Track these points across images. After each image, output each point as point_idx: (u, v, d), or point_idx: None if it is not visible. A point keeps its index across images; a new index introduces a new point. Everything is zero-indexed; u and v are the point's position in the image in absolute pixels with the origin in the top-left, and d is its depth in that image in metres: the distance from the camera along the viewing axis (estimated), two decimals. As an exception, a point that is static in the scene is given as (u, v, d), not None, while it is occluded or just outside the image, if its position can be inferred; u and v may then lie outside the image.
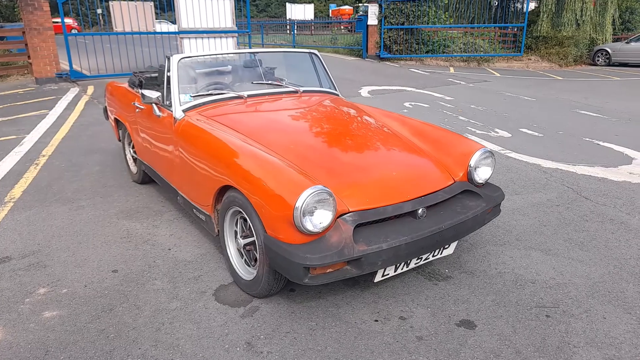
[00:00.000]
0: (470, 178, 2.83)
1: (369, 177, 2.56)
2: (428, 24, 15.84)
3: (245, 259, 2.75)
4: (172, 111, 3.31)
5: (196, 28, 12.53)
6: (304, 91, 3.76)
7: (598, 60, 18.59)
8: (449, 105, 8.86)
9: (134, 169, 4.57)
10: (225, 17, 12.90)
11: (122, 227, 3.60)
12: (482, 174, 2.86)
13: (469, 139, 3.10)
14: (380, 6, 15.61)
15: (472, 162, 2.81)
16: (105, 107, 5.13)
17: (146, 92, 3.39)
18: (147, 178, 4.37)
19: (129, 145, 4.59)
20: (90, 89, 10.37)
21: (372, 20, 15.96)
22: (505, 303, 2.62)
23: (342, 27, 29.55)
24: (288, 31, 38.03)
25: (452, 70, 15.11)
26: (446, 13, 17.13)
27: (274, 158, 2.49)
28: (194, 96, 3.38)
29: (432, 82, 12.02)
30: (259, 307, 2.56)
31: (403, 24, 15.80)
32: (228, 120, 3.12)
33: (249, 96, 3.48)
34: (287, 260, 2.15)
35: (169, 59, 3.44)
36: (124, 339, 2.31)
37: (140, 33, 12.18)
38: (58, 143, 6.03)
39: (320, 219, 2.18)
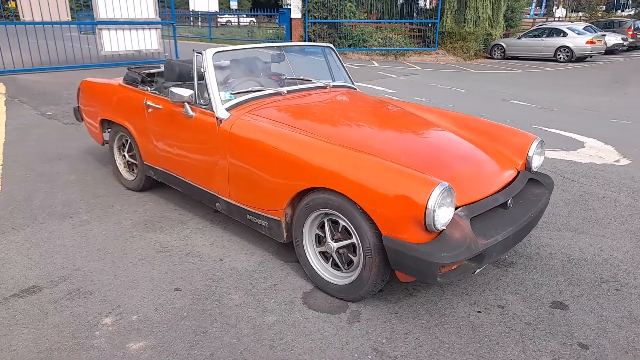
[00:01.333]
0: (528, 167, 2.98)
1: (456, 171, 2.59)
2: (345, 18, 16.13)
3: (331, 263, 2.63)
4: (209, 110, 3.05)
5: (116, 18, 11.56)
6: (333, 86, 3.67)
7: (495, 54, 20.29)
8: (395, 98, 9.15)
9: (128, 175, 4.13)
10: (147, 6, 12.05)
11: (150, 240, 3.25)
12: (537, 163, 3.03)
13: (517, 129, 3.25)
14: (303, 0, 15.60)
15: (530, 152, 2.97)
16: (78, 107, 4.56)
17: (176, 90, 3.08)
18: (148, 185, 3.98)
19: (120, 149, 4.14)
20: (1, 87, 9.12)
21: (296, 13, 15.91)
22: (576, 281, 2.81)
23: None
24: (191, 23, 36.49)
25: (376, 64, 15.61)
26: (359, 9, 17.56)
27: (374, 157, 2.41)
28: (234, 94, 3.14)
29: (366, 76, 12.32)
30: (360, 312, 2.48)
31: (326, 18, 15.96)
32: (284, 118, 2.96)
33: (288, 92, 3.33)
34: (419, 260, 2.11)
35: (201, 53, 3.16)
36: (242, 362, 2.11)
37: (52, 23, 10.90)
38: (0, 151, 5.24)
39: (445, 216, 2.17)
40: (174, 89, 3.10)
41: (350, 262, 2.54)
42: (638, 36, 23.08)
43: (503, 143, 3.07)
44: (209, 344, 2.23)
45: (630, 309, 2.54)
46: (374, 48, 16.95)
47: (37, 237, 3.26)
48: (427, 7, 20.46)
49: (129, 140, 3.99)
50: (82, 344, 2.21)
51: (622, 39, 21.56)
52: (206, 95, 3.10)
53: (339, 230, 2.52)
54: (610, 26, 23.14)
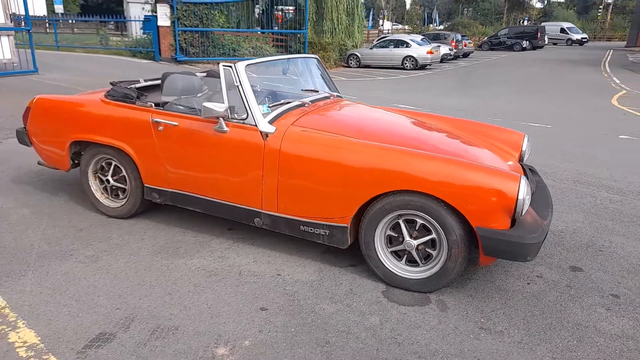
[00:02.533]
0: (521, 159, 3.57)
1: (495, 166, 3.02)
2: (212, 27, 15.91)
3: (405, 260, 2.84)
4: (249, 124, 3.01)
5: (-43, 23, 9.78)
6: (337, 96, 3.86)
7: (351, 63, 21.94)
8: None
9: (109, 202, 3.73)
10: (-4, 10, 10.42)
11: (188, 266, 3.05)
12: (527, 155, 3.64)
13: (504, 127, 3.82)
14: (172, 7, 14.96)
15: (524, 147, 3.56)
16: (25, 130, 3.92)
17: (209, 105, 2.97)
18: (141, 210, 3.66)
19: (96, 173, 3.72)
20: None
21: (164, 21, 15.18)
22: (570, 248, 3.47)
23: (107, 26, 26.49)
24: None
25: (253, 74, 15.71)
26: (222, 17, 17.42)
27: (455, 157, 2.70)
28: (271, 106, 3.14)
29: (254, 85, 12.41)
30: (443, 300, 2.75)
31: (197, 26, 15.55)
32: (329, 127, 3.07)
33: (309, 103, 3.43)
34: (515, 243, 2.47)
35: (230, 66, 3.09)
36: (390, 360, 2.23)
37: None
38: None
39: (527, 204, 2.57)
40: (207, 104, 2.98)
41: (427, 257, 2.79)
42: (459, 47, 27.07)
43: (498, 140, 3.60)
44: (341, 352, 2.28)
45: (620, 262, 3.26)
46: (247, 57, 17.03)
47: (53, 282, 2.81)
48: (288, 17, 21.27)
49: (114, 163, 3.61)
50: (221, 378, 2.08)
51: (449, 49, 25.13)
52: (240, 109, 3.05)
53: (416, 228, 2.75)
54: (437, 38, 26.72)
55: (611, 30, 49.04)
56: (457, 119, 3.89)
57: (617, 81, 15.87)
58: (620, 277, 3.05)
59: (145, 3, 17.07)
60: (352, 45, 22.46)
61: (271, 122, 3.03)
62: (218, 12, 16.07)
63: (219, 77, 3.89)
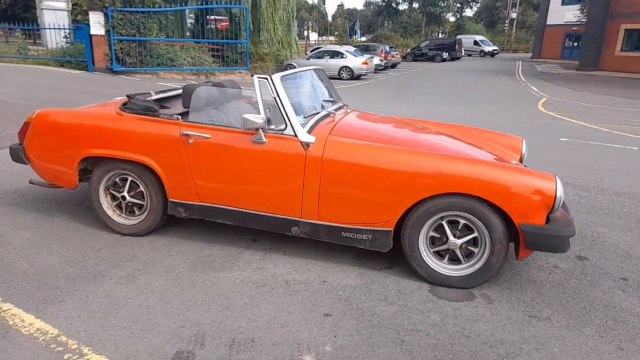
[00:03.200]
0: (521, 161, 3.92)
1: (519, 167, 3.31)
2: (149, 36, 15.36)
3: (447, 259, 3.03)
4: (288, 135, 3.07)
5: None
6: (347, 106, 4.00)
7: (288, 72, 22.13)
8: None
9: (123, 219, 3.57)
10: None
11: (232, 279, 3.02)
12: (525, 157, 3.99)
13: (501, 132, 4.15)
14: (106, 15, 14.26)
15: (523, 150, 3.91)
16: (21, 146, 3.65)
17: (249, 117, 2.99)
18: (160, 226, 3.55)
19: (107, 190, 3.55)
20: None
21: (97, 29, 14.42)
22: (567, 241, 3.85)
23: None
24: None
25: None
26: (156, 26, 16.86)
27: (498, 161, 2.93)
28: (307, 117, 3.21)
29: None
30: (486, 294, 2.96)
31: (134, 35, 14.94)
32: (366, 136, 3.20)
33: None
34: (555, 237, 2.74)
35: (266, 78, 3.12)
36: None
37: None
38: None
39: (562, 201, 2.86)
40: (247, 116, 2.99)
41: (468, 255, 2.99)
42: (388, 58, 28.27)
43: (499, 144, 3.92)
44: (419, 348, 2.41)
45: (614, 249, 3.67)
46: (184, 67, 16.62)
47: (98, 305, 2.67)
48: (219, 27, 21.02)
49: (130, 179, 3.47)
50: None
51: (380, 60, 26.17)
52: (277, 120, 3.09)
53: (459, 228, 2.95)
54: (367, 50, 27.71)
55: (516, 43, 53.54)
56: (457, 125, 4.18)
57: (535, 89, 17.42)
58: (619, 263, 3.45)
59: (60, 10, 16.06)
60: (289, 56, 22.71)
61: (309, 132, 3.10)
62: (156, 21, 15.56)
63: (224, 87, 3.91)
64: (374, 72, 23.64)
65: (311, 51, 26.64)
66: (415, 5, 53.30)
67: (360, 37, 58.76)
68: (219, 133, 3.19)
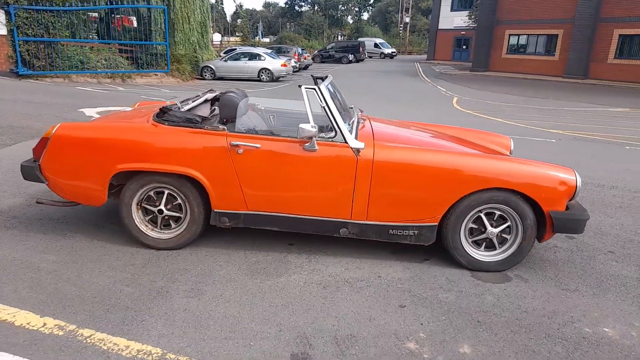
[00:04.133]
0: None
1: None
2: (59, 36, 14.21)
3: (483, 247, 3.42)
4: (338, 142, 3.25)
5: None
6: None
7: (205, 75, 21.66)
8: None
9: (157, 233, 3.48)
10: None
11: (296, 282, 3.13)
12: (513, 154, 4.54)
13: (489, 132, 4.65)
14: (8, 13, 12.90)
15: (512, 147, 4.45)
16: (36, 164, 3.39)
17: (305, 126, 3.14)
18: (197, 237, 3.52)
19: (139, 204, 3.44)
20: None
21: (-2, 29, 13.01)
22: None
23: None
24: None
25: (120, 88, 14.52)
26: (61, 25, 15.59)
27: (526, 160, 3.36)
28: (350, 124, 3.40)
29: (126, 100, 11.59)
30: (520, 275, 3.38)
31: (42, 35, 13.68)
32: (400, 139, 3.49)
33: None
34: (578, 220, 3.24)
35: (314, 88, 3.27)
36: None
37: None
38: None
39: None
40: (303, 125, 3.13)
41: (502, 242, 3.40)
42: (301, 60, 28.76)
43: (492, 143, 4.40)
44: (496, 327, 2.74)
45: (589, 228, 4.34)
46: (98, 70, 15.58)
47: (185, 320, 2.65)
48: (127, 27, 19.95)
49: (166, 192, 3.40)
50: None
51: (295, 62, 26.56)
52: (325, 127, 3.27)
53: (494, 218, 3.35)
54: (280, 52, 27.96)
55: (410, 46, 57.20)
56: (453, 127, 4.62)
57: (443, 89, 18.96)
58: (599, 238, 4.11)
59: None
60: (205, 58, 22.17)
61: (355, 138, 3.31)
62: (67, 21, 14.38)
63: (247, 97, 3.97)
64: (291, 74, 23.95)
65: (225, 52, 26.24)
66: (317, 8, 54.64)
67: (263, 38, 58.81)
68: (269, 142, 3.27)
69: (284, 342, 2.50)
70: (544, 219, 3.27)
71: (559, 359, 2.46)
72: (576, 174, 3.27)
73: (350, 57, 37.12)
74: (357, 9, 61.39)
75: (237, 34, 51.92)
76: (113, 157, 3.30)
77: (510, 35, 27.30)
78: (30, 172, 3.41)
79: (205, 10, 21.52)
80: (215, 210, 3.39)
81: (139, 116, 3.56)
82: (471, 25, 33.94)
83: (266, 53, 21.97)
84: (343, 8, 55.15)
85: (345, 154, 3.25)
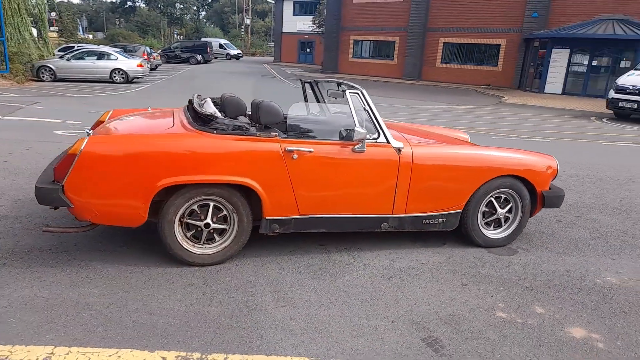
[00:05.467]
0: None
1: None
2: None
3: (492, 227, 3.99)
4: (382, 143, 3.50)
5: None
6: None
7: (43, 76, 19.06)
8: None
9: (203, 249, 3.29)
10: None
11: (362, 277, 3.29)
12: (466, 148, 5.26)
13: (451, 129, 5.27)
14: None
15: (469, 140, 5.16)
16: (60, 186, 2.89)
17: (359, 129, 3.33)
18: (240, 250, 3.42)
19: (182, 220, 3.21)
20: None
21: None
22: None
23: None
24: None
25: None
26: None
27: (525, 150, 3.99)
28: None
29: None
30: (520, 247, 4.04)
31: None
32: (425, 137, 3.87)
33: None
34: (561, 197, 4.02)
35: (357, 93, 3.45)
36: None
37: None
38: None
39: None
40: (358, 129, 3.31)
41: (506, 220, 4.01)
42: (150, 60, 27.08)
43: (457, 138, 5.06)
44: (539, 290, 3.31)
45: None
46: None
47: (303, 328, 2.64)
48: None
49: (212, 204, 3.22)
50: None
51: (148, 61, 24.89)
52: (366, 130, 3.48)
53: (501, 201, 3.95)
54: (126, 51, 25.95)
55: (253, 47, 57.90)
56: (424, 125, 5.17)
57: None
58: (576, 219, 5.05)
59: None
60: (43, 56, 19.47)
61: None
62: None
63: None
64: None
65: (60, 50, 23.34)
66: (154, 5, 51.58)
67: (84, 34, 53.24)
68: (322, 146, 3.34)
69: (405, 331, 2.68)
70: (536, 197, 3.97)
71: (600, 306, 3.10)
72: (556, 160, 4.05)
73: (199, 57, 36.11)
74: (195, 7, 59.68)
75: (51, 29, 45.91)
76: (157, 172, 3.01)
77: (354, 40, 29.68)
78: (48, 195, 2.90)
79: (42, 2, 18.92)
80: (267, 218, 3.32)
81: (173, 126, 3.29)
82: (316, 30, 35.92)
83: (117, 52, 20.25)
84: (182, 6, 53.10)
85: (389, 153, 3.49)
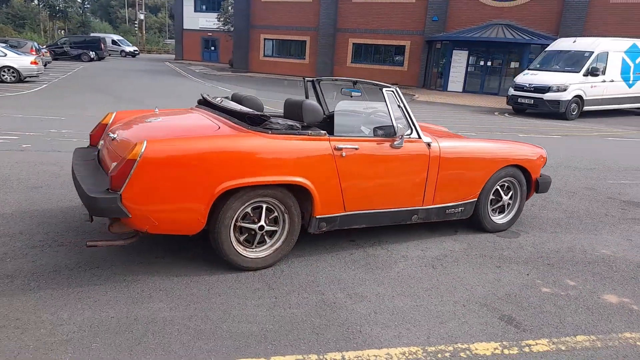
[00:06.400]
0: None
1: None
2: None
3: (497, 213, 4.35)
4: (415, 138, 3.67)
5: None
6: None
7: None
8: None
9: (255, 253, 3.20)
10: None
11: (414, 266, 3.43)
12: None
13: (432, 124, 5.57)
14: None
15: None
16: (118, 194, 2.63)
17: (402, 126, 3.48)
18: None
19: (234, 222, 3.10)
20: None
21: None
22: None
23: None
24: None
25: None
26: None
27: (522, 142, 4.38)
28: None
29: None
30: (520, 230, 4.46)
31: None
32: (438, 133, 4.11)
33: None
34: (549, 182, 4.50)
35: (392, 91, 3.58)
36: None
37: None
38: None
39: None
40: (400, 125, 3.45)
41: (508, 206, 4.40)
42: (40, 56, 24.53)
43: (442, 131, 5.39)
44: (553, 263, 3.71)
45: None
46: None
47: (390, 320, 2.71)
48: None
49: (264, 206, 3.15)
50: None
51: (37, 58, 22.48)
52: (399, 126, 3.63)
53: (504, 189, 4.32)
54: (13, 46, 23.25)
55: (148, 44, 54.84)
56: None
57: (226, 89, 19.45)
58: (545, 202, 5.58)
59: None
60: None
61: (419, 135, 3.77)
62: None
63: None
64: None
65: None
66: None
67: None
68: (364, 143, 3.41)
69: (480, 313, 2.87)
70: (530, 184, 4.41)
71: (612, 275, 3.55)
72: (545, 150, 4.53)
73: (92, 54, 33.38)
74: (80, 0, 54.93)
75: None
76: (219, 174, 2.87)
77: (265, 39, 29.55)
78: (109, 205, 2.62)
79: None
80: (316, 216, 3.32)
81: (205, 126, 3.16)
82: (221, 27, 35.07)
83: (4, 47, 18.13)
84: (66, -1, 48.57)
85: (421, 148, 3.67)
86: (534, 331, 2.71)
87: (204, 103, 3.93)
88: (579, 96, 15.31)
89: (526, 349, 2.52)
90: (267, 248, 3.25)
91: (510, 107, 16.71)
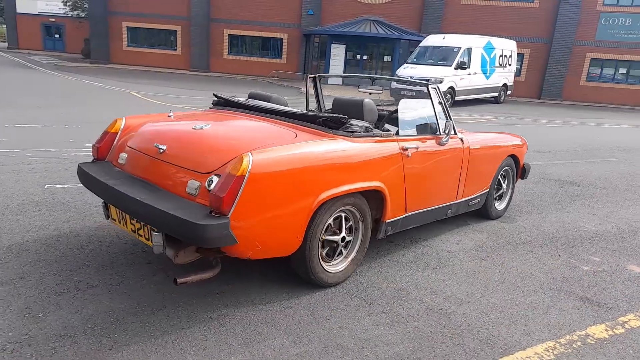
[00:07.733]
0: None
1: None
2: None
3: (499, 199, 4.62)
4: (452, 134, 3.71)
5: None
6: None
7: None
8: None
9: (334, 267, 2.93)
10: None
11: (468, 261, 3.47)
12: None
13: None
14: None
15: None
16: (226, 219, 2.16)
17: (448, 123, 3.49)
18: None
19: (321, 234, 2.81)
20: None
21: None
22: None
23: None
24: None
25: None
26: None
27: (516, 135, 4.67)
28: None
29: None
30: (515, 215, 4.80)
31: None
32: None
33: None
34: (530, 168, 4.92)
35: (436, 88, 3.55)
36: None
37: None
38: None
39: None
40: (448, 122, 3.45)
41: (505, 193, 4.69)
42: None
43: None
44: (556, 247, 4.09)
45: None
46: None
47: (466, 315, 2.72)
48: None
49: (343, 215, 2.89)
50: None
51: None
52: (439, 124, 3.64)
53: (503, 177, 4.60)
54: None
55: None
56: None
57: (88, 82, 17.39)
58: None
59: None
60: None
61: (450, 130, 3.81)
62: None
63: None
64: None
65: None
66: None
67: None
68: (421, 142, 3.33)
69: (562, 299, 3.02)
70: (518, 171, 4.78)
71: (619, 247, 4.01)
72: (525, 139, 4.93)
73: None
74: None
75: None
76: (319, 184, 2.55)
77: (128, 27, 27.01)
78: (219, 233, 2.13)
79: None
80: (385, 221, 3.15)
81: (272, 131, 2.79)
82: (69, 12, 31.17)
83: None
84: None
85: (459, 144, 3.72)
86: (617, 308, 2.94)
87: (224, 104, 3.46)
88: (452, 87, 16.98)
89: (627, 326, 2.73)
90: (343, 260, 3.00)
91: (393, 99, 17.87)
